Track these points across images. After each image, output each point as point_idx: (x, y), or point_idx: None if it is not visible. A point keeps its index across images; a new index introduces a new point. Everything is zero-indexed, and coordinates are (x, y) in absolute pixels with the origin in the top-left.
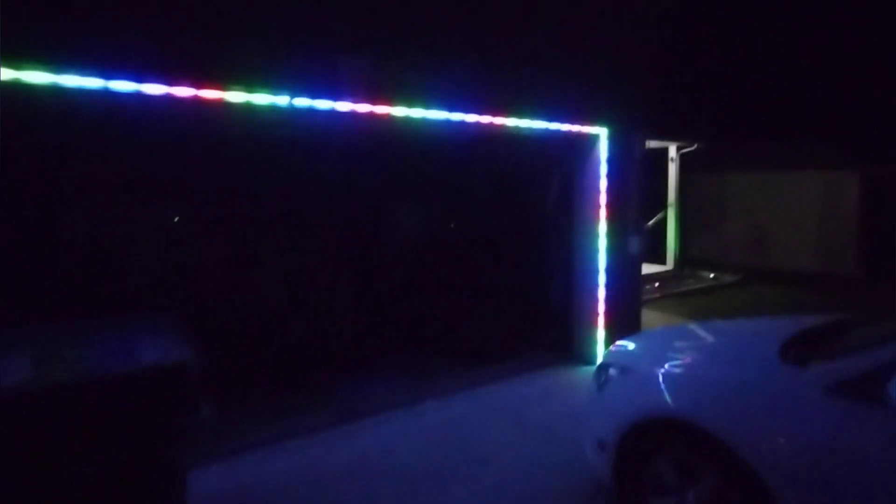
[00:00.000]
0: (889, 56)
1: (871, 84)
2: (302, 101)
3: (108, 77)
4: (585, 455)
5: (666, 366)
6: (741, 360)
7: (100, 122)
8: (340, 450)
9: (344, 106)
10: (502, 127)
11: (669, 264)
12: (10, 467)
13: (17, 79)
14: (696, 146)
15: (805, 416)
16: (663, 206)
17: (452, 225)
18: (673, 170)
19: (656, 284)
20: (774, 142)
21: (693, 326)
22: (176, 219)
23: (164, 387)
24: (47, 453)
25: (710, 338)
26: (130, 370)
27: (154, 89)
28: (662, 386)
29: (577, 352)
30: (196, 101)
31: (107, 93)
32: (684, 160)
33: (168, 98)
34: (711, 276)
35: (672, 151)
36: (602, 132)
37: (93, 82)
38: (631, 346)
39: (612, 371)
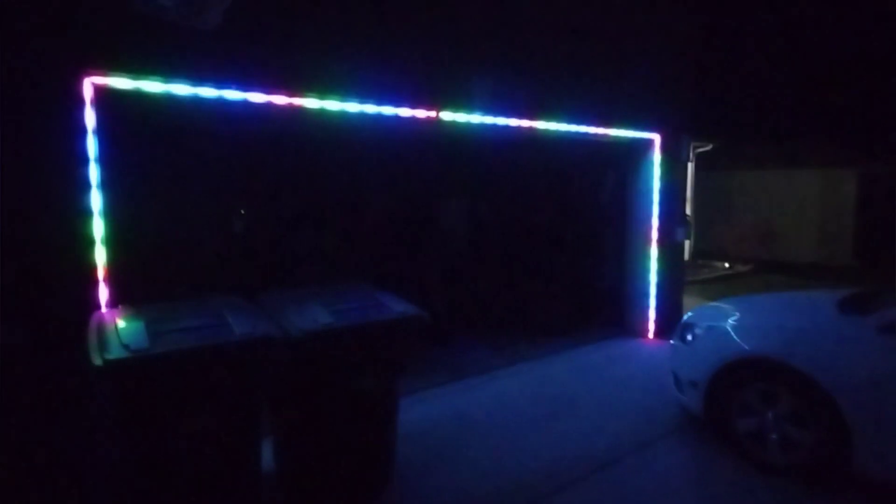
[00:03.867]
0: (885, 62)
1: (869, 88)
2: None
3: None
4: (674, 395)
5: (746, 321)
6: (811, 314)
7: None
8: (463, 400)
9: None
10: (572, 132)
11: (686, 255)
12: (317, 379)
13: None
14: (711, 146)
15: (865, 349)
16: None
17: (517, 217)
18: (690, 168)
19: None
20: (780, 141)
21: (749, 296)
22: (242, 211)
23: (408, 331)
24: (337, 374)
25: (771, 302)
26: (391, 317)
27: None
28: (748, 335)
29: (629, 327)
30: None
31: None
32: (699, 159)
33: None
34: (726, 265)
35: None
36: (656, 137)
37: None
38: (706, 311)
39: (697, 330)
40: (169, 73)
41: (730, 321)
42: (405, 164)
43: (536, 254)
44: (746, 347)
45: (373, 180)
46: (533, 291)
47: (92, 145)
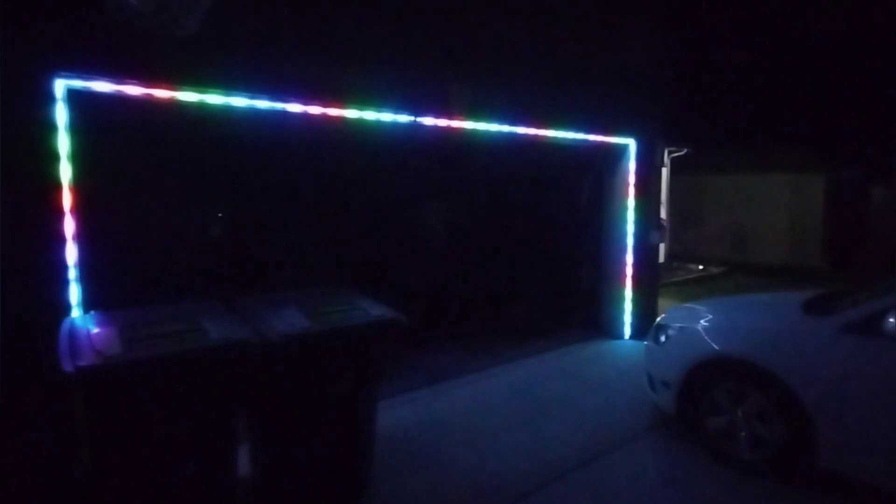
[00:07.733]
0: (850, 74)
1: (835, 98)
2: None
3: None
4: (648, 395)
5: (716, 323)
6: (777, 315)
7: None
8: (441, 403)
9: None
10: (551, 138)
11: (661, 257)
12: (296, 383)
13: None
14: (685, 150)
15: (828, 348)
16: None
17: (494, 220)
18: (664, 172)
19: None
20: (751, 147)
21: (720, 298)
22: (220, 214)
23: (386, 335)
24: (316, 378)
25: (741, 304)
26: (368, 321)
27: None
28: (718, 336)
29: (605, 329)
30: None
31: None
32: (673, 163)
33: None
34: (700, 267)
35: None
36: (631, 143)
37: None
38: (679, 313)
39: (670, 331)
40: (145, 76)
41: (701, 322)
42: (385, 169)
43: (514, 257)
44: (716, 348)
45: (352, 185)
46: (511, 294)
47: (64, 146)
